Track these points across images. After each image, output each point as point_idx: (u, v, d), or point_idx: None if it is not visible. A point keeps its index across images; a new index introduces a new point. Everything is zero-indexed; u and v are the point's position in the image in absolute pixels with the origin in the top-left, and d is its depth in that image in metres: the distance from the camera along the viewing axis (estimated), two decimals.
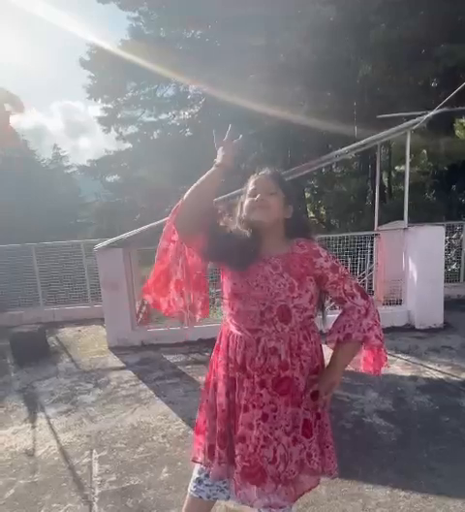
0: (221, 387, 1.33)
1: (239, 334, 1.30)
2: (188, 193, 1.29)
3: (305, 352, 1.30)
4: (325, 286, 1.31)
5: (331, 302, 1.45)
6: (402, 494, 1.86)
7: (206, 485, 1.40)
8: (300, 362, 1.29)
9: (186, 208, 1.28)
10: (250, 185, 1.34)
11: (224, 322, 1.41)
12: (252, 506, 1.31)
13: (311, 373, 1.31)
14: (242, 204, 1.34)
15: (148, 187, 12.90)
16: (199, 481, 1.41)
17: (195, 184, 1.30)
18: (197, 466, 1.44)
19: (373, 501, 1.83)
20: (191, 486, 1.43)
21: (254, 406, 1.25)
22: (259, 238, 1.29)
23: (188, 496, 1.44)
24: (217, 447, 1.32)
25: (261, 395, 1.25)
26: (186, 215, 1.28)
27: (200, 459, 1.40)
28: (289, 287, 1.24)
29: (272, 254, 1.28)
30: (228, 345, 1.33)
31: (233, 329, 1.32)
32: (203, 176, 1.32)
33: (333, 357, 1.36)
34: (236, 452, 1.27)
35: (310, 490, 1.35)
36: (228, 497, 1.42)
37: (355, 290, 1.32)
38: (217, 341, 1.41)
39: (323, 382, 1.30)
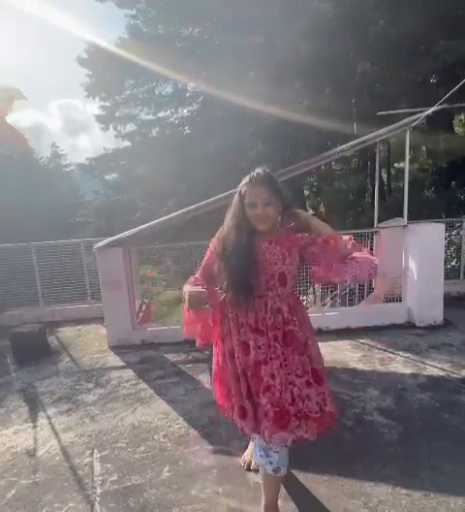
0: (237, 351, 1.61)
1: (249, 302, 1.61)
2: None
3: (300, 311, 1.68)
4: (311, 248, 1.61)
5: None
6: (404, 491, 1.87)
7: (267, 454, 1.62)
8: (298, 318, 1.63)
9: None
10: (248, 195, 1.60)
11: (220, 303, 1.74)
12: (286, 446, 1.58)
13: (305, 328, 1.65)
14: (237, 205, 1.64)
15: (147, 185, 12.89)
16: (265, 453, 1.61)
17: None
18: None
19: (374, 499, 1.83)
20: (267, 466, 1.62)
21: (271, 358, 1.55)
22: (258, 233, 1.63)
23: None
24: (246, 404, 1.59)
25: (276, 347, 1.56)
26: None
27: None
28: (281, 257, 1.60)
29: (267, 238, 1.63)
30: (237, 315, 1.63)
31: (241, 301, 1.62)
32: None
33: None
34: (264, 402, 1.52)
35: (329, 428, 1.60)
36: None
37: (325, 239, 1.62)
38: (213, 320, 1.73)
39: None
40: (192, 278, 1.80)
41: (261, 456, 1.63)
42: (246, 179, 1.63)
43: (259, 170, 1.63)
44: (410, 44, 8.83)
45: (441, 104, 3.50)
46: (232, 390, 1.64)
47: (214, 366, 1.77)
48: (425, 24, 8.38)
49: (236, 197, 1.65)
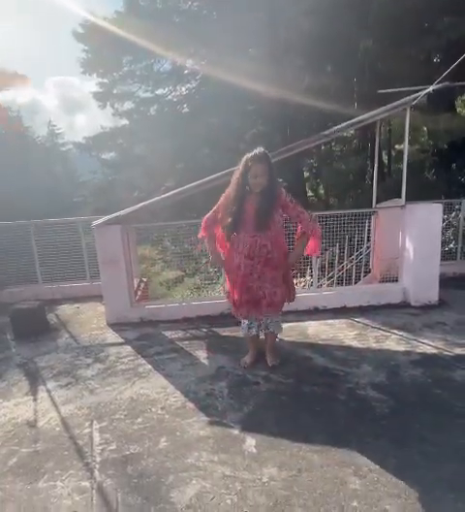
0: (242, 268, 2.66)
1: (245, 239, 2.63)
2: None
3: (281, 246, 2.71)
4: (288, 211, 2.66)
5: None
6: (393, 461, 1.93)
7: (248, 327, 2.90)
8: (277, 251, 2.65)
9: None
10: (252, 168, 2.52)
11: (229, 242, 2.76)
12: (256, 320, 2.87)
13: (282, 257, 2.70)
14: (242, 175, 2.58)
15: (146, 164, 12.77)
16: (248, 326, 2.90)
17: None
18: (243, 323, 2.93)
19: (365, 468, 1.90)
20: (245, 331, 2.92)
21: (251, 273, 2.67)
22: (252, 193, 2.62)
23: (247, 337, 2.97)
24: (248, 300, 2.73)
25: (257, 267, 2.65)
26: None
27: (244, 315, 2.82)
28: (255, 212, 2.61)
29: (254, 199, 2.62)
30: (241, 246, 2.65)
31: (242, 237, 2.65)
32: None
33: (296, 245, 2.82)
34: (247, 297, 2.71)
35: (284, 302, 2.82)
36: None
37: (302, 210, 2.67)
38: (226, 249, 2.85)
39: (289, 258, 2.78)
40: (205, 222, 2.83)
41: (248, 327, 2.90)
42: (252, 156, 2.52)
43: (261, 149, 2.54)
44: (413, 20, 8.62)
45: (441, 81, 3.45)
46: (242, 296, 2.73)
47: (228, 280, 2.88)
48: (429, 0, 8.16)
49: (242, 167, 2.56)
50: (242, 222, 2.60)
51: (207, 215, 2.81)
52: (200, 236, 2.87)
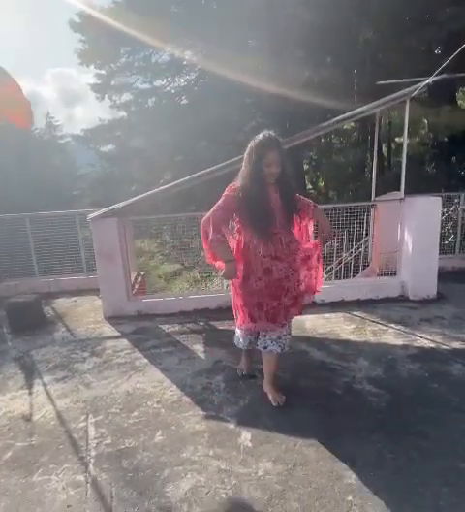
0: (275, 272, 2.21)
1: (269, 238, 2.20)
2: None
3: (298, 240, 2.36)
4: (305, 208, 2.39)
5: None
6: (389, 455, 1.92)
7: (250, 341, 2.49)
8: (299, 247, 2.33)
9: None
10: (266, 156, 2.12)
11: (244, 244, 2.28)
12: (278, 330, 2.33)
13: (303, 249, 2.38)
14: (256, 164, 2.14)
15: (144, 157, 12.69)
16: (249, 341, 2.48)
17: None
18: (245, 338, 2.49)
19: (360, 462, 1.89)
20: (244, 344, 2.51)
21: (289, 275, 2.25)
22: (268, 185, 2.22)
23: (243, 351, 2.65)
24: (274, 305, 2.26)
25: (289, 268, 2.25)
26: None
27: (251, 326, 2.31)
28: (281, 205, 2.25)
29: (274, 189, 2.23)
30: (259, 249, 2.20)
31: (262, 237, 2.21)
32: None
33: (319, 219, 2.43)
34: (286, 300, 2.27)
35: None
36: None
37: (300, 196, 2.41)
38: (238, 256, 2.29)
39: (324, 231, 2.40)
40: (214, 224, 2.19)
41: (273, 343, 2.33)
42: (265, 142, 2.13)
43: (271, 133, 2.16)
44: (414, 11, 8.53)
45: (441, 72, 3.40)
46: (261, 302, 2.23)
47: (241, 296, 2.30)
48: None
49: (254, 155, 2.14)
50: (273, 216, 2.20)
51: (212, 214, 2.19)
52: (208, 239, 2.20)
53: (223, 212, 2.19)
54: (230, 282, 2.45)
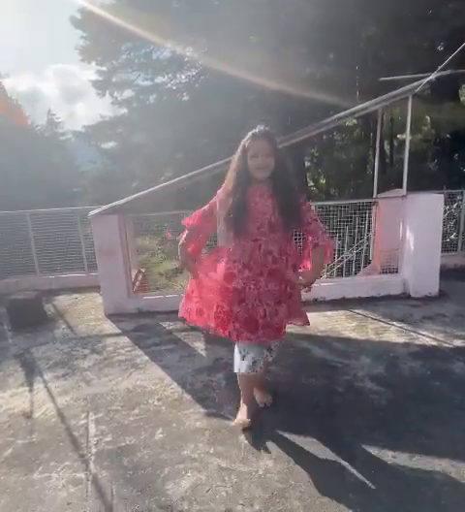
0: (236, 280, 1.97)
1: (246, 243, 1.97)
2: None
3: (290, 251, 2.03)
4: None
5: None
6: (390, 453, 1.91)
7: (253, 360, 2.03)
8: (286, 257, 2.00)
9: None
10: (251, 147, 1.88)
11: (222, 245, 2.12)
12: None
13: (292, 267, 2.04)
14: (240, 160, 1.93)
15: (145, 154, 12.66)
16: (253, 360, 2.03)
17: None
18: (245, 356, 2.04)
19: (361, 460, 1.88)
20: (248, 367, 2.03)
21: (251, 288, 1.96)
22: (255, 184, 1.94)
23: (246, 378, 2.12)
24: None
25: (259, 280, 1.96)
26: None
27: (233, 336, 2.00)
28: (272, 209, 1.92)
29: (262, 190, 1.94)
30: (238, 253, 1.98)
31: (239, 242, 1.98)
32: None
33: (313, 261, 2.02)
34: (239, 310, 1.97)
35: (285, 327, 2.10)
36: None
37: (316, 216, 2.01)
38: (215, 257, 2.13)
39: (306, 277, 2.00)
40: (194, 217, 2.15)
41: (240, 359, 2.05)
42: (249, 134, 1.92)
43: (261, 126, 1.93)
44: (416, 7, 8.46)
45: (444, 69, 3.37)
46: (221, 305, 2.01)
47: (195, 290, 2.16)
48: None
49: (239, 150, 1.95)
50: (245, 220, 1.94)
51: (201, 208, 2.17)
52: (184, 222, 2.17)
53: (207, 208, 2.14)
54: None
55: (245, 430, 2.12)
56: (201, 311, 2.13)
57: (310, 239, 2.00)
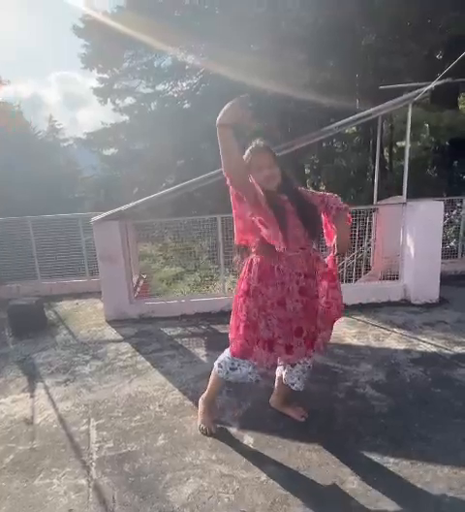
0: (289, 306, 1.91)
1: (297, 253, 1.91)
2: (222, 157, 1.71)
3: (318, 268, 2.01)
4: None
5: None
6: (391, 460, 1.91)
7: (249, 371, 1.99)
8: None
9: (226, 163, 1.70)
10: (253, 162, 1.85)
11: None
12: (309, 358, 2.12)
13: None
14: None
15: (146, 160, 12.72)
16: (248, 371, 1.98)
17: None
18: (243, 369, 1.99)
19: (363, 467, 1.88)
20: (244, 375, 1.99)
21: (317, 296, 1.98)
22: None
23: (222, 381, 2.10)
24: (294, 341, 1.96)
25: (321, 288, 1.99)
26: (229, 168, 1.71)
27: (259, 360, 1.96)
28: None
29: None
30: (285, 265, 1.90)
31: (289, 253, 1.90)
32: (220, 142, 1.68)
33: (338, 228, 1.97)
34: (306, 334, 1.96)
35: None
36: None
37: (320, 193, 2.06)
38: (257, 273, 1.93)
39: (340, 244, 1.96)
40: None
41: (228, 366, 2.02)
42: (248, 151, 1.88)
43: (256, 141, 1.91)
44: (416, 15, 8.55)
45: (444, 77, 3.40)
46: (275, 333, 1.93)
47: (243, 321, 1.95)
48: None
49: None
50: (295, 227, 1.88)
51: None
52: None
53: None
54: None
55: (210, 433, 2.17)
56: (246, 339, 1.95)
57: (330, 206, 1.98)
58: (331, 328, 2.12)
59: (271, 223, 1.83)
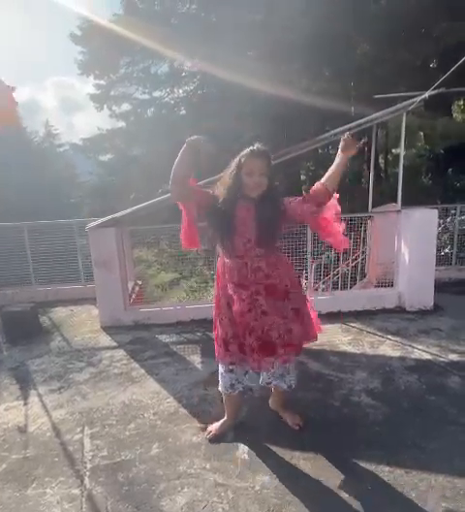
0: (236, 303, 1.93)
1: (232, 261, 1.95)
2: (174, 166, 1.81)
3: (280, 265, 1.98)
4: (295, 210, 1.93)
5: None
6: (386, 468, 1.91)
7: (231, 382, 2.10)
8: (278, 272, 1.95)
9: (172, 175, 1.81)
10: (247, 164, 1.84)
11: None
12: (270, 370, 2.06)
13: (285, 279, 1.97)
14: (234, 175, 1.86)
15: (142, 166, 12.74)
16: (230, 381, 2.10)
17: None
18: (225, 375, 2.11)
19: (358, 476, 1.88)
20: (225, 387, 2.12)
21: (253, 308, 1.91)
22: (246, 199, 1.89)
23: (225, 396, 2.17)
24: (242, 342, 1.96)
25: (257, 299, 1.91)
26: (174, 180, 1.82)
27: (230, 360, 2.02)
28: (256, 223, 1.88)
29: (250, 206, 1.90)
30: (228, 272, 1.96)
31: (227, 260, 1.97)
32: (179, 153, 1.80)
33: (331, 177, 1.93)
34: (251, 341, 1.91)
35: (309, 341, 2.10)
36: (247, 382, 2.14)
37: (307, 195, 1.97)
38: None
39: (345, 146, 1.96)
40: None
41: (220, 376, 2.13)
42: (247, 151, 1.86)
43: (258, 144, 1.89)
44: (410, 25, 8.67)
45: (438, 87, 3.45)
46: (228, 333, 2.00)
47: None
48: (427, 4, 8.21)
49: (234, 165, 1.89)
50: (232, 235, 1.91)
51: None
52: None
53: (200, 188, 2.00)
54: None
55: (212, 440, 2.19)
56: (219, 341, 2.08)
57: (298, 209, 1.92)
58: (294, 351, 2.00)
59: (212, 230, 1.97)
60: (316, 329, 2.12)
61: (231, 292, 1.95)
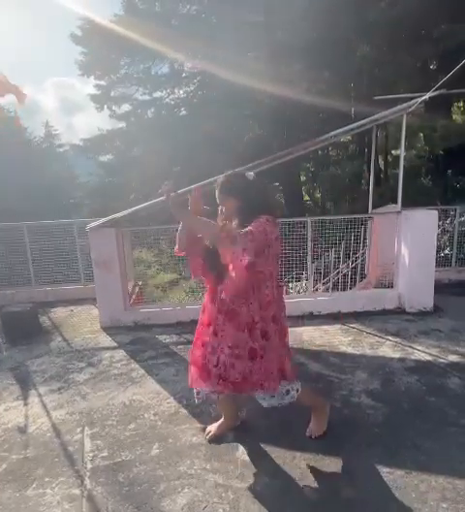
0: (202, 316, 2.02)
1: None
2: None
3: (244, 298, 1.84)
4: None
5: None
6: (386, 470, 1.92)
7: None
8: (240, 304, 1.83)
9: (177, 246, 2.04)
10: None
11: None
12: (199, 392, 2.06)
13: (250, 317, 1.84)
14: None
15: (142, 167, 12.74)
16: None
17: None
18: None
19: (358, 475, 1.88)
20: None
21: (209, 324, 1.93)
22: None
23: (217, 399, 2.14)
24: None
25: (217, 318, 1.88)
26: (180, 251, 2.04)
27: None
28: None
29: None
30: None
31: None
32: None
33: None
34: (198, 354, 1.98)
35: (244, 392, 1.95)
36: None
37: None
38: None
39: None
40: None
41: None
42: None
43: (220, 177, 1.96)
44: (410, 27, 8.69)
45: (438, 89, 3.46)
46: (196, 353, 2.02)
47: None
48: (427, 7, 8.22)
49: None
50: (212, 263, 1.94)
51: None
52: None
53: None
54: None
55: (214, 440, 2.18)
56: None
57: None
58: (250, 388, 1.88)
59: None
60: (271, 384, 1.86)
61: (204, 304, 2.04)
